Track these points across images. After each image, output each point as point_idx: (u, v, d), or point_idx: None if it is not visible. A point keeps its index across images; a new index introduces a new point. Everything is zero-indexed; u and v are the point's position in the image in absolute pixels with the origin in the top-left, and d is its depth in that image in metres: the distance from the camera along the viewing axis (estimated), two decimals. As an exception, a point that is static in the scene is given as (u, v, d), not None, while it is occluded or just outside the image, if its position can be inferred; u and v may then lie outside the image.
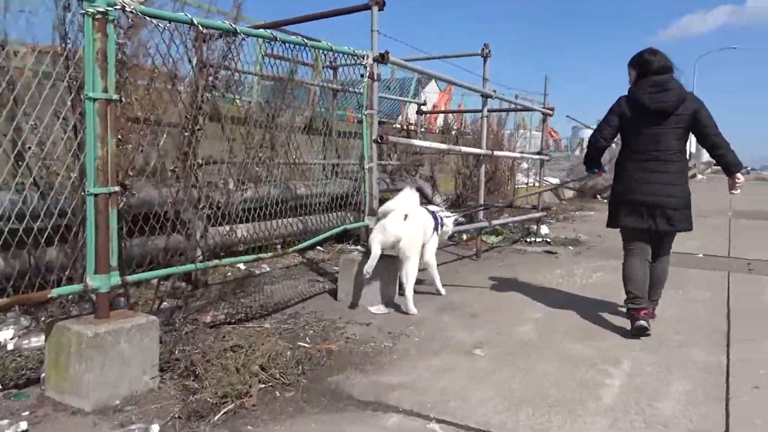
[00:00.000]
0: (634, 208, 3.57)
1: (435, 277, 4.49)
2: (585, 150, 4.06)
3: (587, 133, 25.06)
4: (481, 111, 6.00)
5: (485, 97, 5.91)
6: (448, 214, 4.74)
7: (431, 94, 15.39)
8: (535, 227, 7.83)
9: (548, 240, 7.54)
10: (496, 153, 7.20)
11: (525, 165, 14.34)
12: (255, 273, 5.29)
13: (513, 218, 7.36)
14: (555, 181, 17.94)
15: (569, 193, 16.27)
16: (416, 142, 4.82)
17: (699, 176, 30.04)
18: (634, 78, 3.65)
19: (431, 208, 4.58)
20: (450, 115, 11.18)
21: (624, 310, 3.86)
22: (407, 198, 4.04)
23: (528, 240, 7.56)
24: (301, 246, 3.92)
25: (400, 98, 8.29)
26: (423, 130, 9.05)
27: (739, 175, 3.61)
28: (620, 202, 3.68)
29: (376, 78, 4.21)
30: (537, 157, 7.71)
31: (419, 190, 8.17)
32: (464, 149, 6.09)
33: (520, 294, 4.65)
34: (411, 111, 11.33)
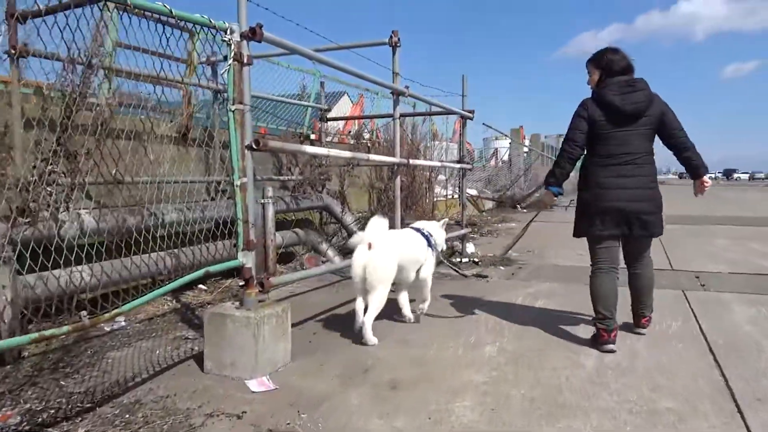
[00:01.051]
0: (607, 215, 3.35)
1: (425, 298, 4.11)
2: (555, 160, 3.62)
3: (500, 144, 25.00)
4: (392, 115, 4.95)
5: (396, 94, 4.87)
6: (436, 224, 4.32)
7: (345, 106, 14.32)
8: (461, 245, 6.87)
9: (476, 260, 6.60)
10: (412, 162, 6.21)
11: (442, 176, 13.58)
12: (105, 330, 3.92)
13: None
14: (473, 192, 17.42)
15: (488, 204, 15.68)
16: (308, 148, 3.65)
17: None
18: (596, 79, 3.45)
19: (417, 225, 4.20)
20: (363, 122, 10.17)
21: (592, 328, 3.52)
22: (373, 225, 3.65)
23: (454, 260, 6.59)
24: (135, 303, 2.63)
25: (292, 101, 7.05)
26: (329, 139, 7.90)
27: (706, 177, 3.49)
28: (591, 210, 3.41)
29: (245, 61, 3.03)
30: (458, 166, 6.77)
31: (326, 208, 7.03)
32: (374, 158, 5.01)
33: (452, 343, 3.57)
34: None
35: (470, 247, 7.10)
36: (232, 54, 2.98)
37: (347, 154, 4.23)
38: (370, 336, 3.49)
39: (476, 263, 6.49)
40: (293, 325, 3.70)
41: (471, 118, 6.65)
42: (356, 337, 3.59)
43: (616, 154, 3.32)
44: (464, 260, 6.56)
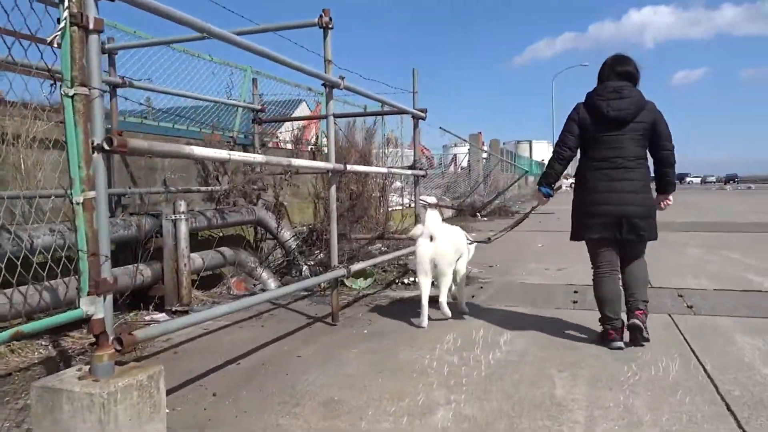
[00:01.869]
0: (599, 218, 3.42)
1: (461, 289, 4.51)
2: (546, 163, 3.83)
3: (460, 150, 24.38)
4: (326, 115, 4.08)
5: (329, 86, 4.01)
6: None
7: (304, 113, 13.37)
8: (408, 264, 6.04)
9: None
10: (350, 167, 5.33)
11: (398, 183, 12.78)
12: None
13: (385, 256, 5.52)
14: (431, 200, 16.69)
15: (447, 213, 14.95)
16: (197, 150, 2.71)
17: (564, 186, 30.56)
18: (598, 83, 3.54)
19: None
20: (311, 126, 9.26)
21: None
22: (431, 218, 4.08)
23: (406, 281, 5.76)
24: None
25: (214, 99, 6.05)
26: (263, 144, 6.96)
27: (671, 196, 3.61)
28: (585, 214, 3.50)
29: (91, 26, 2.12)
30: (410, 172, 5.95)
31: (259, 222, 6.10)
32: (300, 163, 4.08)
33: (393, 408, 2.70)
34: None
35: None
36: (66, 14, 2.07)
37: (259, 158, 3.33)
38: (446, 309, 4.10)
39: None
40: (186, 384, 2.80)
41: (423, 118, 5.85)
42: (277, 395, 2.69)
43: (608, 158, 3.37)
44: (416, 280, 5.73)
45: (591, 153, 3.47)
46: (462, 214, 15.11)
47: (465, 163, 20.77)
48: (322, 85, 4.06)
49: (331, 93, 4.04)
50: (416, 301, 4.86)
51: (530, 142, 49.68)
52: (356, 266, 4.48)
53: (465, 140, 14.33)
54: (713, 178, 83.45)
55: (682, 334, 3.74)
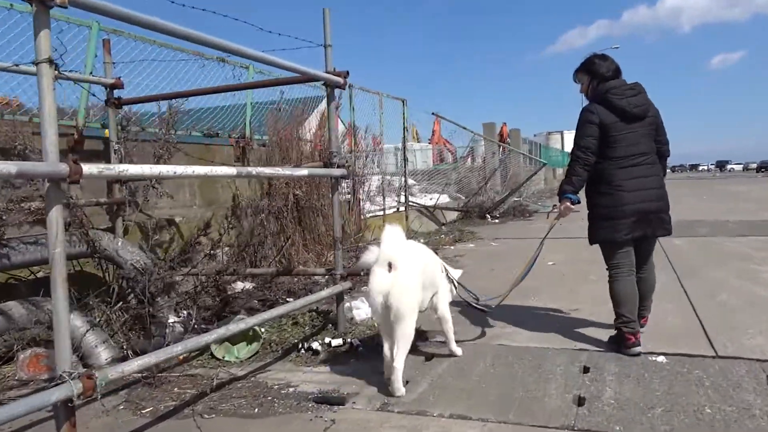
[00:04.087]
0: (630, 218, 3.29)
1: (449, 333, 3.32)
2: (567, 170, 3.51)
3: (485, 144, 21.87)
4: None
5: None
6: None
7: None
8: (336, 310, 3.92)
9: (357, 341, 3.66)
10: (256, 170, 3.20)
11: (396, 183, 10.63)
12: None
13: (287, 306, 3.44)
14: (445, 199, 14.49)
15: (451, 215, 12.77)
16: None
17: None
18: (586, 85, 3.53)
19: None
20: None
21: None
22: (390, 237, 2.82)
23: (326, 341, 3.66)
24: None
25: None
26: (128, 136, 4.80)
27: None
28: (615, 214, 3.32)
29: None
30: (323, 172, 3.83)
31: (108, 258, 4.08)
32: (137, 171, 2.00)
33: None
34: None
35: (360, 310, 4.16)
36: None
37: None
38: (399, 385, 2.77)
39: (357, 347, 3.56)
40: None
41: (341, 86, 3.73)
42: None
43: (629, 156, 3.33)
44: (335, 342, 3.62)
45: (611, 152, 3.35)
46: (469, 215, 12.91)
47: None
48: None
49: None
50: (305, 403, 2.73)
51: (561, 133, 46.63)
52: (249, 322, 2.41)
53: (465, 128, 12.12)
54: (756, 165, 78.63)
55: None
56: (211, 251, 4.73)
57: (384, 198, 9.20)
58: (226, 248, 5.76)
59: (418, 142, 22.21)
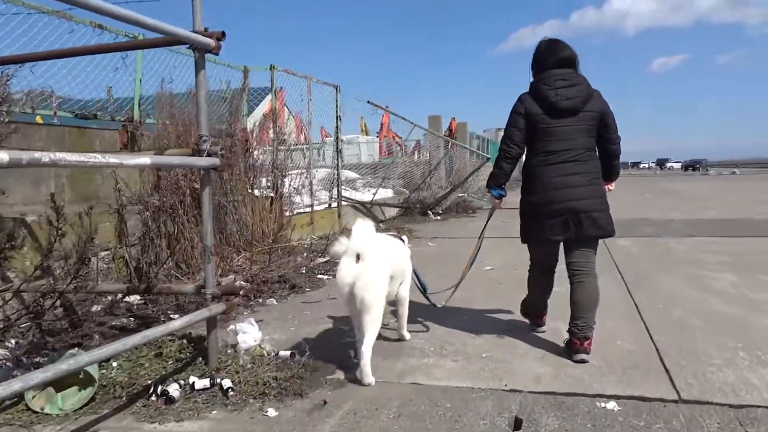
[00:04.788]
0: (556, 218, 3.07)
1: (403, 318, 3.45)
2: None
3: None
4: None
5: None
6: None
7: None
8: (208, 338, 3.06)
9: (228, 385, 2.81)
10: (47, 156, 2.31)
11: (320, 175, 9.76)
12: None
13: (134, 338, 2.55)
14: (388, 194, 13.73)
15: (391, 212, 12.03)
16: None
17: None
18: (534, 72, 3.26)
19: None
20: None
21: None
22: (360, 231, 2.93)
23: (185, 383, 2.81)
24: None
25: None
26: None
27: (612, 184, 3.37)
28: (538, 213, 3.15)
29: None
30: (178, 162, 2.97)
31: None
32: None
33: None
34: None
35: (248, 335, 3.31)
36: None
37: None
38: (368, 372, 2.81)
39: (226, 390, 2.72)
40: None
41: (212, 50, 2.86)
42: None
43: (557, 151, 3.10)
44: (200, 384, 2.77)
45: (539, 147, 3.16)
46: (410, 212, 12.21)
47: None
48: None
49: None
50: None
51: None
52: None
53: (404, 118, 11.34)
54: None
55: None
56: (77, 259, 3.78)
57: (312, 193, 8.34)
58: (105, 253, 4.82)
59: (367, 134, 21.36)
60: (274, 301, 4.66)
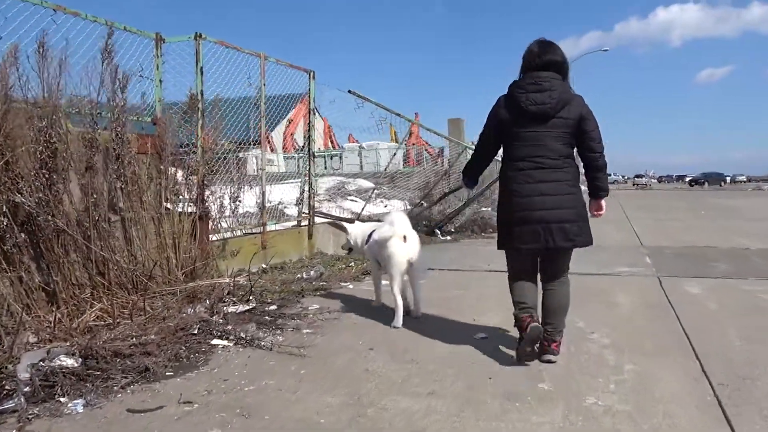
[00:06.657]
0: (527, 226, 3.04)
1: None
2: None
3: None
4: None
5: None
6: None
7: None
8: None
9: None
10: None
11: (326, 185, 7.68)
12: None
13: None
14: (398, 204, 11.64)
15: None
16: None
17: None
18: (520, 72, 3.20)
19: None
20: None
21: None
22: (400, 219, 4.11)
23: None
24: None
25: None
26: None
27: (603, 201, 3.28)
28: (510, 221, 3.13)
29: None
30: None
31: None
32: None
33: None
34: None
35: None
36: None
37: None
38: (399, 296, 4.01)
39: None
40: None
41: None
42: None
43: (529, 157, 3.06)
44: None
45: (511, 152, 3.15)
46: (415, 230, 10.07)
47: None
48: None
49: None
50: None
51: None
52: None
53: (399, 114, 9.15)
54: (743, 178, 76.44)
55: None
56: None
57: (263, 208, 6.31)
58: None
59: (396, 142, 19.15)
60: (80, 408, 2.63)
